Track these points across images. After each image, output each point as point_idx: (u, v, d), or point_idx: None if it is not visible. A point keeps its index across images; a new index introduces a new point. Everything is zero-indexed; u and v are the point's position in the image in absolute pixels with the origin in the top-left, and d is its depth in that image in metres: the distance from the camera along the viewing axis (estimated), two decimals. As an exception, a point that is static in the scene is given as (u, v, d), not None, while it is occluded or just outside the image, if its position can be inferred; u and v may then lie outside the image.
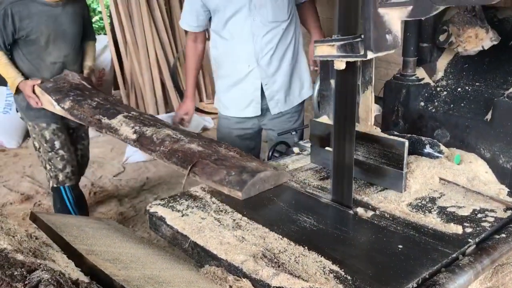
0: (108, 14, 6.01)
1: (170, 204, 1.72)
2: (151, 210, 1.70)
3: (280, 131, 2.58)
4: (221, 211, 1.68)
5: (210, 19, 2.60)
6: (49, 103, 2.75)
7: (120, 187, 4.25)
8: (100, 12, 8.15)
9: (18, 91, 2.95)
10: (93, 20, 8.22)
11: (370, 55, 1.41)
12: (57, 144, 3.09)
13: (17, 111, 3.18)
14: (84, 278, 1.17)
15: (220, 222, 1.60)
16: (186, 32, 2.85)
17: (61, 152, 3.11)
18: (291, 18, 2.54)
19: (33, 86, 2.85)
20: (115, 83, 6.17)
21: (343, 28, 1.51)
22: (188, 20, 2.63)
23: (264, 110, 2.66)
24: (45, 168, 3.20)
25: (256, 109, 2.64)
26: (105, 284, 1.21)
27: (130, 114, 2.37)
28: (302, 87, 2.71)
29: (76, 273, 1.18)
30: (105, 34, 6.24)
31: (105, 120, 2.36)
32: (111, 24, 5.80)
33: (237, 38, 2.50)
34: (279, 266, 1.36)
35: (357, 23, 1.48)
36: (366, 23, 1.38)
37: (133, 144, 2.16)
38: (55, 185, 3.19)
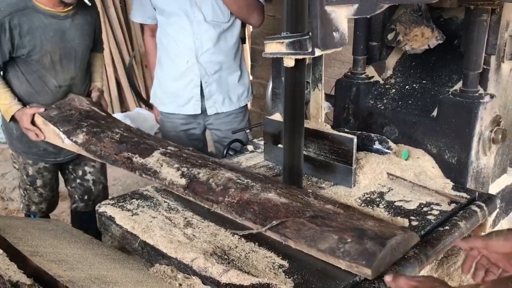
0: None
1: (120, 204, 1.69)
2: (100, 210, 1.66)
3: (225, 131, 2.61)
4: (172, 209, 1.66)
5: None
6: (55, 136, 2.21)
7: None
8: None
9: (12, 119, 2.40)
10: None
11: (318, 52, 1.43)
12: (39, 182, 2.66)
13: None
14: (26, 280, 1.14)
15: (171, 221, 1.59)
16: (142, 30, 2.84)
17: (40, 190, 2.69)
18: (232, 22, 2.56)
19: (33, 115, 2.31)
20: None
21: (291, 26, 1.52)
22: (138, 12, 2.64)
23: (205, 109, 2.68)
24: (19, 189, 2.76)
25: (196, 107, 2.65)
26: (49, 285, 1.19)
27: (168, 150, 1.83)
28: (243, 93, 2.74)
29: (17, 275, 1.15)
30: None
31: (137, 159, 1.81)
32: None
33: (178, 33, 2.54)
34: (229, 263, 1.36)
35: (305, 20, 1.50)
36: (313, 20, 1.39)
37: (183, 193, 1.65)
38: (24, 211, 2.80)
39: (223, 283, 1.27)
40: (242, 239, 1.49)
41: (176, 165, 1.71)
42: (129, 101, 5.77)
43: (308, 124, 1.86)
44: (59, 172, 2.80)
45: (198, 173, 1.65)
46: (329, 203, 1.48)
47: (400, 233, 1.33)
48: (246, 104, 2.84)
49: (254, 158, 2.14)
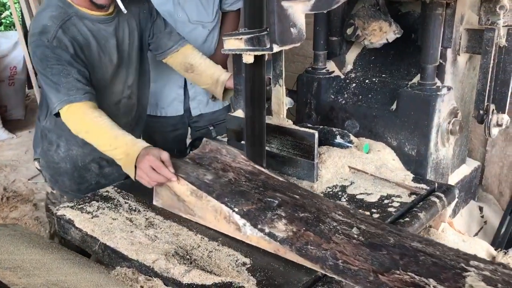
0: (19, 8, 5.68)
1: (79, 206, 1.65)
2: (59, 213, 1.62)
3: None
4: (134, 210, 1.63)
5: None
6: (217, 216, 1.45)
7: (36, 190, 4.03)
8: (9, 7, 7.69)
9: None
10: (3, 15, 7.72)
11: (276, 48, 1.42)
12: None
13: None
14: (-21, 290, 1.10)
15: (132, 222, 1.56)
16: None
17: None
18: (217, 22, 2.52)
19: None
20: (28, 82, 5.85)
21: (249, 22, 1.51)
22: None
23: (188, 110, 2.63)
24: None
25: (179, 108, 2.59)
26: (3, 294, 1.14)
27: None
28: None
29: (-31, 285, 1.10)
30: (15, 30, 5.90)
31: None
32: (22, 18, 5.48)
33: None
34: (191, 263, 1.34)
35: (263, 16, 1.49)
36: (271, 16, 1.39)
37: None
38: None
39: (185, 283, 1.25)
40: (205, 238, 1.47)
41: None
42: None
43: (270, 120, 1.86)
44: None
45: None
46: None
47: None
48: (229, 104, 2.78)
49: (217, 155, 2.12)
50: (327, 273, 1.22)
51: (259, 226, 1.33)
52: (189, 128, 2.74)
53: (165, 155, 1.56)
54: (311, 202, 1.43)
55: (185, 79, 2.52)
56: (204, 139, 1.76)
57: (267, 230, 1.31)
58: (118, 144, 1.64)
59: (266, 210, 1.36)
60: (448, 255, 1.19)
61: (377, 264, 1.14)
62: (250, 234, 1.36)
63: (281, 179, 1.58)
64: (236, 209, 1.38)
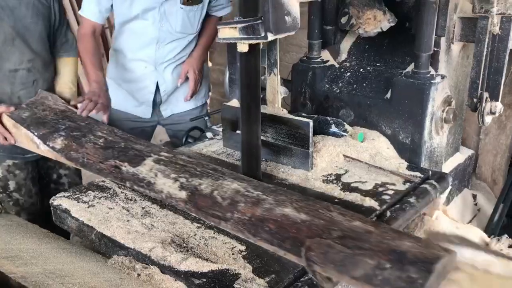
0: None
1: (76, 196, 1.66)
2: (55, 203, 1.63)
3: (181, 125, 2.55)
4: (130, 200, 1.64)
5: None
6: (28, 140, 1.93)
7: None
8: None
9: None
10: None
11: (270, 36, 1.42)
12: (11, 184, 2.28)
13: None
14: (-24, 278, 1.10)
15: (128, 211, 1.57)
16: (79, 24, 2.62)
17: (16, 195, 2.30)
18: (197, 33, 2.50)
19: (0, 115, 2.02)
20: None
21: (244, 10, 1.51)
22: (90, 7, 2.41)
23: (158, 111, 2.62)
24: None
25: (146, 112, 2.58)
26: (1, 282, 1.15)
27: (161, 157, 1.60)
28: (200, 94, 2.66)
29: (-33, 274, 1.11)
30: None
31: (127, 168, 1.58)
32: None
33: (140, 39, 2.41)
34: (188, 251, 1.35)
35: (258, 5, 1.49)
36: (265, 4, 1.38)
37: (184, 207, 1.44)
38: None
39: (182, 271, 1.27)
40: (202, 226, 1.48)
41: (173, 175, 1.49)
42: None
43: (265, 109, 1.86)
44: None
45: (200, 184, 1.43)
46: (356, 218, 1.24)
47: (443, 254, 1.10)
48: (206, 102, 2.77)
49: (213, 145, 2.14)
50: (84, 168, 1.76)
51: (47, 143, 1.83)
52: (160, 127, 2.73)
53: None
54: (96, 126, 1.93)
55: (157, 84, 2.51)
56: (40, 90, 2.22)
57: (51, 145, 1.82)
58: None
59: (54, 133, 1.86)
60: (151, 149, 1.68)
61: (102, 157, 1.68)
62: (43, 149, 1.85)
63: (90, 121, 2.02)
64: (36, 133, 1.89)
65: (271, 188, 1.41)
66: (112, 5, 2.40)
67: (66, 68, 2.39)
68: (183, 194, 1.42)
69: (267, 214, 1.27)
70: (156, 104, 2.58)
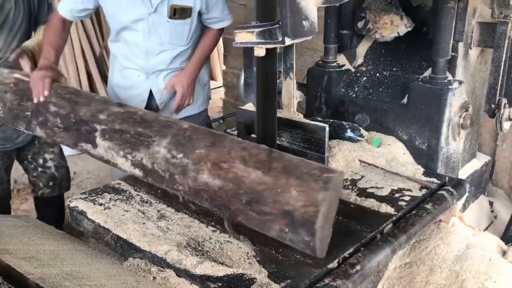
0: (28, 2, 5.70)
1: (92, 198, 1.67)
2: (72, 204, 1.64)
3: None
4: (145, 202, 1.65)
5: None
6: None
7: (46, 183, 4.06)
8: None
9: None
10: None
11: (288, 41, 1.42)
12: None
13: None
14: (-6, 279, 1.12)
15: (144, 214, 1.57)
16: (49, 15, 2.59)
17: None
18: (191, 45, 2.46)
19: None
20: (37, 75, 5.89)
21: (261, 15, 1.51)
22: (65, 4, 2.36)
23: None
24: None
25: None
26: (19, 283, 1.16)
27: (106, 127, 1.64)
28: (198, 101, 2.63)
29: (-15, 274, 1.12)
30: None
31: (88, 147, 1.66)
32: (31, 12, 5.51)
33: (131, 48, 2.40)
34: (203, 254, 1.36)
35: (275, 9, 1.49)
36: (283, 9, 1.39)
37: (144, 178, 1.55)
38: None
39: (197, 274, 1.27)
40: (217, 230, 1.48)
41: (121, 152, 1.56)
42: (100, 93, 5.67)
43: (281, 113, 1.86)
44: (18, 163, 2.66)
45: (141, 159, 1.50)
46: (252, 165, 1.33)
47: (321, 196, 1.18)
48: (206, 109, 2.74)
49: (227, 149, 2.14)
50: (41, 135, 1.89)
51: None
52: None
53: None
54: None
55: (150, 92, 2.47)
56: None
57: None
58: None
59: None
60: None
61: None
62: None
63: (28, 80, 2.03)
64: None
65: (187, 137, 1.47)
66: (90, 11, 2.40)
67: (41, 30, 2.43)
68: (140, 173, 1.53)
69: (195, 184, 1.38)
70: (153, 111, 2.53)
